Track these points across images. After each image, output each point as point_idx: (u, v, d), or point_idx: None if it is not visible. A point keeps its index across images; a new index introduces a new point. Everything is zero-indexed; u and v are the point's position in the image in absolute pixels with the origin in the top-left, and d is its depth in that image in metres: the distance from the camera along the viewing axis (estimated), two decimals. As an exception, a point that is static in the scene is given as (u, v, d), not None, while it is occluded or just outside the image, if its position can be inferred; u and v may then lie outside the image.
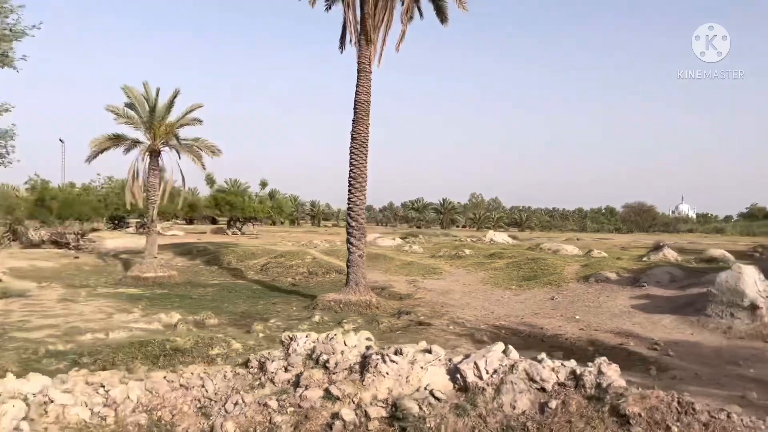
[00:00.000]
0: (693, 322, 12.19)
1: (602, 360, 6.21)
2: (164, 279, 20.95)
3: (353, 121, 16.16)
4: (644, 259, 20.30)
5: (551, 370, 6.09)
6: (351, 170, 16.07)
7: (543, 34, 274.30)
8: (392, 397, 6.17)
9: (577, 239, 50.88)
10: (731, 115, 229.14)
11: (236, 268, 24.52)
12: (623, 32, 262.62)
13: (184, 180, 23.19)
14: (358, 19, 16.19)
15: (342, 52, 17.33)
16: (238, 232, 48.73)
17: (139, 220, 49.30)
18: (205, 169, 22.16)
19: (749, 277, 11.84)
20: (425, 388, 6.27)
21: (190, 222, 69.84)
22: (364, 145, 16.06)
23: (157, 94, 21.50)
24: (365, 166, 16.10)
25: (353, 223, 15.97)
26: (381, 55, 16.21)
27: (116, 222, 52.03)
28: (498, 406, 5.97)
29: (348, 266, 16.09)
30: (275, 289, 20.05)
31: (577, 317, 13.38)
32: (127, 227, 51.21)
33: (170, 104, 21.64)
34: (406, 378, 6.38)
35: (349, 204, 16.27)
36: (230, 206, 47.25)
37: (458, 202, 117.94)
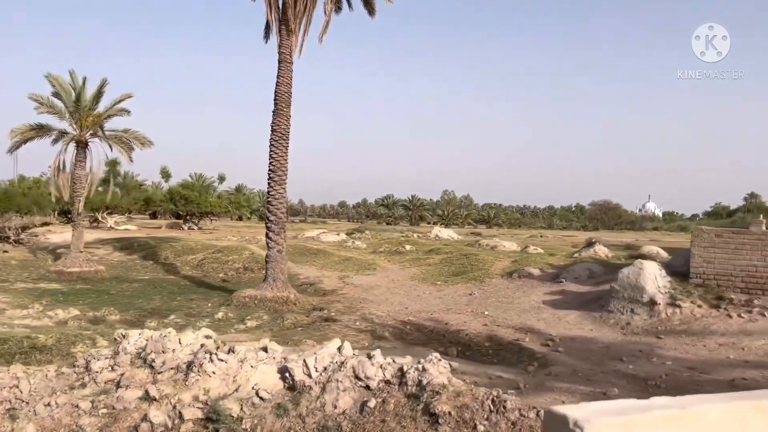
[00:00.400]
0: (596, 317, 12.16)
1: (434, 356, 6.02)
2: (90, 274, 20.31)
3: (273, 113, 15.79)
4: (575, 255, 20.36)
5: (379, 367, 5.87)
6: (271, 163, 15.70)
7: (517, 27, 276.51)
8: (215, 397, 5.88)
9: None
10: (698, 116, 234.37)
11: (172, 263, 23.93)
12: (598, 29, 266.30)
13: (111, 172, 22.43)
14: (280, 7, 15.81)
15: (266, 42, 16.91)
16: (195, 227, 47.88)
17: (92, 214, 48.12)
18: (132, 161, 21.55)
19: (650, 272, 11.86)
20: (253, 388, 6.00)
21: (154, 216, 68.53)
22: (285, 138, 15.71)
23: (84, 84, 20.80)
24: (286, 159, 15.75)
25: (272, 218, 15.63)
26: (302, 45, 15.87)
27: (68, 216, 50.67)
28: (321, 405, 5.72)
29: (266, 261, 15.76)
30: (204, 284, 19.60)
31: (487, 313, 13.27)
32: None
33: (98, 94, 20.95)
34: (234, 377, 6.09)
35: (268, 198, 15.94)
36: (186, 201, 46.35)
37: (431, 199, 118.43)
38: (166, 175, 48.90)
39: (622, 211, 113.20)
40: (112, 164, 53.99)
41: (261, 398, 5.85)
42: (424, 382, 5.56)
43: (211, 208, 47.63)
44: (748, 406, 1.56)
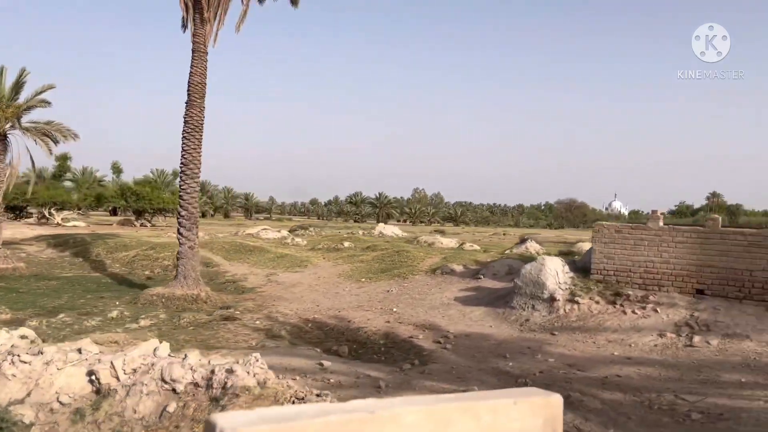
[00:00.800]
0: (499, 314, 12.00)
1: (254, 356, 5.67)
2: (7, 272, 19.40)
3: (186, 104, 15.24)
4: (507, 252, 20.29)
5: (190, 369, 5.50)
6: (183, 156, 15.15)
7: (492, 18, 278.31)
8: (6, 402, 5.42)
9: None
10: (664, 114, 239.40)
11: (102, 260, 23.13)
12: (574, 26, 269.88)
13: (34, 165, 21.59)
14: (194, -5, 15.24)
15: (184, 32, 16.32)
16: (147, 224, 46.70)
17: (41, 209, 46.58)
18: (51, 154, 20.67)
19: (551, 268, 11.73)
20: (56, 392, 5.57)
21: (114, 213, 66.67)
22: (198, 130, 15.17)
23: (2, 74, 19.88)
24: (198, 152, 15.22)
25: (183, 213, 15.09)
26: (217, 35, 15.35)
27: (18, 212, 48.96)
28: (122, 410, 5.32)
29: (177, 258, 15.21)
30: (126, 282, 18.92)
31: (395, 310, 13.00)
32: (28, 218, 48.31)
33: (18, 84, 20.06)
34: (37, 381, 5.63)
35: (180, 192, 15.38)
36: (137, 197, 45.18)
37: (401, 197, 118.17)
38: (117, 170, 47.58)
39: (588, 210, 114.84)
40: (63, 159, 52.53)
41: (61, 403, 5.42)
42: (229, 384, 5.21)
43: (163, 205, 46.50)
44: (453, 408, 1.46)
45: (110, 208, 63.00)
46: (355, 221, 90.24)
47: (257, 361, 5.56)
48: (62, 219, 44.34)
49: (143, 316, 12.30)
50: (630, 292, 11.16)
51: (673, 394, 7.38)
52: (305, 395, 5.16)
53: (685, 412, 6.48)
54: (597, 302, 11.16)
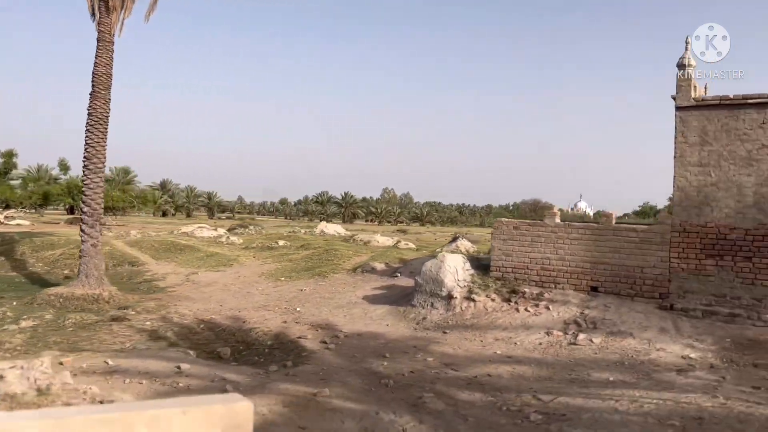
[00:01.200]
0: (400, 312, 11.70)
1: (39, 361, 5.20)
2: None
3: (90, 95, 14.56)
4: (437, 250, 20.06)
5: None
6: (86, 149, 14.48)
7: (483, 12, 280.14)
8: None
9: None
10: (629, 115, 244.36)
11: (24, 259, 22.16)
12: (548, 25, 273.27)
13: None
14: (99, -18, 14.58)
15: (93, 20, 15.62)
16: (96, 223, 45.30)
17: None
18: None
19: (451, 265, 11.47)
20: None
21: (71, 211, 64.56)
22: (102, 123, 14.51)
23: None
24: (103, 146, 14.56)
25: (86, 209, 14.44)
26: (123, 23, 14.72)
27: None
28: None
29: (80, 257, 14.53)
30: (40, 281, 18.08)
31: (299, 309, 12.59)
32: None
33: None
34: None
35: (83, 188, 14.71)
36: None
37: (370, 197, 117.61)
38: (64, 167, 45.98)
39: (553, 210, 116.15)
40: (8, 156, 50.73)
41: None
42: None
43: (112, 203, 45.13)
44: (94, 420, 1.45)
45: (67, 207, 61.23)
46: (320, 221, 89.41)
47: (42, 365, 5.09)
48: (5, 217, 42.72)
49: (26, 316, 11.64)
50: (526, 290, 10.97)
51: (532, 393, 7.15)
52: (104, 399, 4.71)
53: (525, 414, 6.23)
54: (493, 300, 10.95)
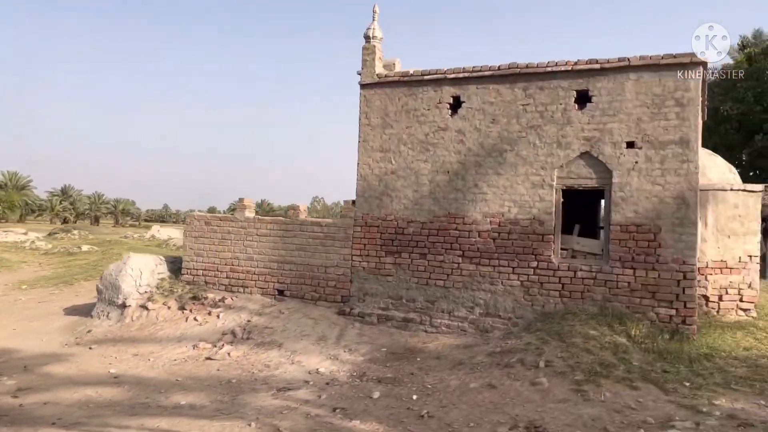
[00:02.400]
0: (78, 323, 10.00)
1: None
2: None
3: None
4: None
5: None
6: None
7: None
8: None
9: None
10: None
11: None
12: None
13: None
14: None
15: None
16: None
17: None
18: None
19: (135, 269, 9.91)
20: None
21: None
22: None
23: None
24: None
25: None
26: None
27: None
28: None
29: None
30: None
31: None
32: None
33: None
34: None
35: None
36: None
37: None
38: None
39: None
40: None
41: None
42: None
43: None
44: None
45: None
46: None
47: None
48: None
49: None
50: (210, 296, 9.55)
51: (55, 420, 5.69)
52: None
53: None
54: (169, 308, 9.45)
